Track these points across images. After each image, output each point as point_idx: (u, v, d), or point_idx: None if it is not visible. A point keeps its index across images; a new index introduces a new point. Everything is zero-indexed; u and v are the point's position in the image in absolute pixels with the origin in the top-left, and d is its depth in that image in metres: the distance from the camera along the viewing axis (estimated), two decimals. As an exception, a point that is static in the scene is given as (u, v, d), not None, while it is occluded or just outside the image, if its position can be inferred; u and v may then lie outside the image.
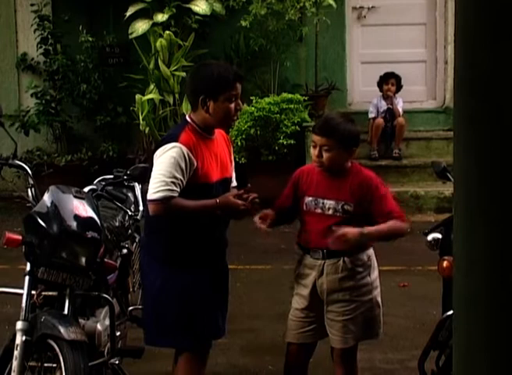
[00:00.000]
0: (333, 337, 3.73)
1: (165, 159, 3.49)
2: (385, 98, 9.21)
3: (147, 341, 3.79)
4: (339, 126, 3.68)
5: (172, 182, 3.47)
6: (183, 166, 3.49)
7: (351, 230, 3.54)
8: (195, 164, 3.53)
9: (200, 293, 3.64)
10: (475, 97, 1.55)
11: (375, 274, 3.77)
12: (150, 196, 3.52)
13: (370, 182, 3.69)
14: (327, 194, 3.70)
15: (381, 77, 9.26)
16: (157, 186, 3.48)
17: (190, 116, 3.69)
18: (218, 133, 3.77)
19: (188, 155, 3.50)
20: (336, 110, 9.40)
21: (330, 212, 3.68)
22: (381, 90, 9.26)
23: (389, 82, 9.18)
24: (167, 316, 3.63)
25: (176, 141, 3.52)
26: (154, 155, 3.57)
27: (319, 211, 3.70)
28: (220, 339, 3.89)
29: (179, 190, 3.49)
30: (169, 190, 3.47)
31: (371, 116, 9.20)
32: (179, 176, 3.48)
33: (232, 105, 3.61)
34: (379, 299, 3.77)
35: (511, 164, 1.52)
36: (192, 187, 3.53)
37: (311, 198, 3.74)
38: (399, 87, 9.22)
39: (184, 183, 3.51)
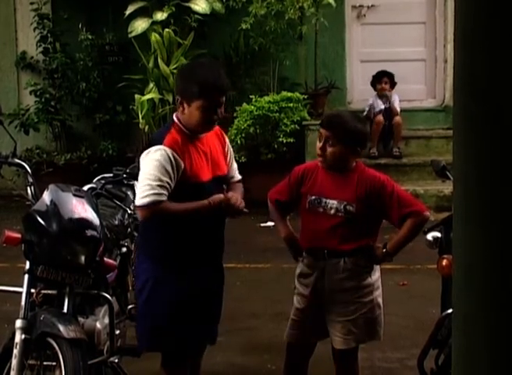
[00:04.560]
0: (334, 337, 3.72)
1: (150, 163, 3.46)
2: (381, 96, 9.19)
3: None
4: (347, 122, 3.66)
5: (159, 185, 3.43)
6: (169, 168, 3.44)
7: (377, 253, 3.68)
8: (182, 165, 3.48)
9: (193, 294, 3.61)
10: (475, 95, 1.55)
11: (376, 275, 3.75)
12: (137, 201, 3.50)
13: (375, 184, 3.65)
14: (330, 193, 3.67)
15: (374, 76, 9.24)
16: (143, 190, 3.46)
17: (176, 115, 3.64)
18: (213, 130, 3.71)
19: (173, 156, 3.45)
20: (336, 108, 9.41)
21: (332, 211, 3.65)
22: (375, 89, 9.24)
23: (383, 81, 9.15)
24: (155, 317, 3.60)
25: (160, 143, 3.48)
26: (140, 158, 3.54)
27: (321, 210, 3.67)
28: (213, 344, 3.88)
29: (167, 193, 3.45)
30: (156, 194, 3.43)
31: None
32: (165, 179, 3.44)
33: (205, 115, 3.50)
34: (380, 300, 3.76)
35: (510, 163, 1.51)
36: (183, 187, 3.49)
37: (314, 197, 3.70)
38: (393, 85, 9.20)
39: (172, 185, 3.47)
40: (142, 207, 3.48)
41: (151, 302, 3.60)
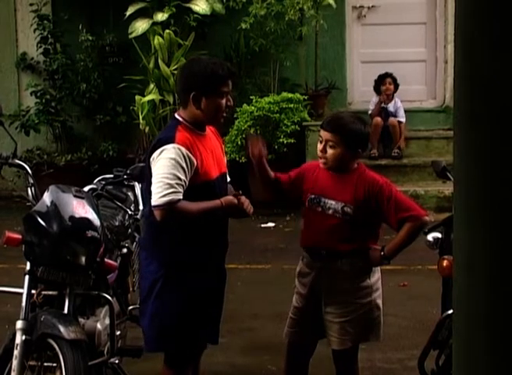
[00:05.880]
0: (331, 338, 3.71)
1: (166, 162, 3.41)
2: (384, 97, 9.18)
3: (146, 346, 3.76)
4: (348, 124, 3.65)
5: (177, 184, 3.40)
6: (184, 166, 3.42)
7: (374, 255, 3.64)
8: (195, 163, 3.47)
9: (200, 295, 3.61)
10: (475, 96, 1.55)
11: (375, 277, 3.74)
12: (156, 201, 3.40)
13: (374, 187, 3.62)
14: (329, 193, 3.66)
15: (376, 81, 9.25)
16: (161, 190, 3.39)
17: (179, 114, 3.62)
18: (208, 128, 3.71)
19: (187, 154, 3.44)
20: (336, 109, 9.42)
21: (330, 212, 3.65)
22: (377, 93, 9.23)
23: (386, 81, 9.17)
24: (164, 318, 3.60)
25: (172, 142, 3.44)
26: (151, 159, 3.47)
27: (320, 209, 3.67)
28: (216, 343, 3.88)
29: (182, 191, 3.43)
30: (174, 193, 3.39)
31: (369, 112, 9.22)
32: (182, 177, 3.41)
33: (224, 101, 3.57)
34: (379, 302, 3.74)
35: (511, 163, 1.51)
36: (194, 186, 3.47)
37: (314, 196, 3.70)
38: (396, 87, 9.21)
39: (187, 183, 3.44)
40: (160, 207, 3.41)
41: (160, 303, 3.58)
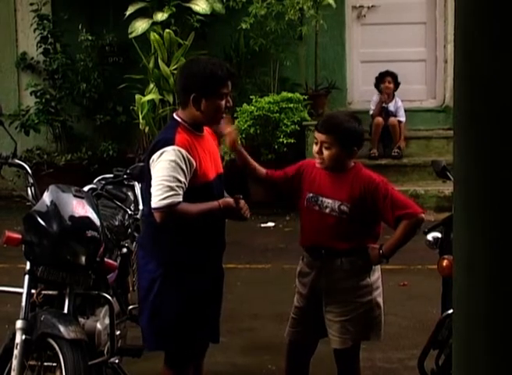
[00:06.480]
0: (332, 337, 3.72)
1: (165, 164, 3.41)
2: (385, 96, 9.18)
3: (147, 346, 3.76)
4: (341, 123, 3.67)
5: (177, 186, 3.40)
6: (184, 167, 3.42)
7: (373, 254, 3.64)
8: (194, 164, 3.47)
9: (199, 294, 3.62)
10: (475, 96, 1.55)
11: (375, 275, 3.74)
12: (156, 204, 3.41)
13: (369, 186, 3.63)
14: (326, 192, 3.68)
15: (377, 78, 9.26)
16: (161, 193, 3.39)
17: (178, 115, 3.61)
18: (205, 128, 3.70)
19: (187, 156, 3.44)
20: (336, 109, 9.42)
21: (327, 210, 3.66)
22: (378, 90, 9.24)
23: (386, 80, 9.17)
24: (162, 317, 3.60)
25: (172, 144, 3.44)
26: (151, 160, 3.47)
27: (317, 208, 3.69)
28: (217, 342, 3.88)
29: (182, 193, 3.43)
30: (175, 195, 3.40)
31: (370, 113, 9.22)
32: (182, 179, 3.42)
33: (223, 103, 3.57)
34: (380, 300, 3.75)
35: (511, 163, 1.51)
36: (192, 188, 3.47)
37: (311, 195, 3.71)
38: (396, 85, 9.21)
39: (186, 185, 3.45)
40: (160, 209, 3.41)
41: (159, 302, 3.59)
